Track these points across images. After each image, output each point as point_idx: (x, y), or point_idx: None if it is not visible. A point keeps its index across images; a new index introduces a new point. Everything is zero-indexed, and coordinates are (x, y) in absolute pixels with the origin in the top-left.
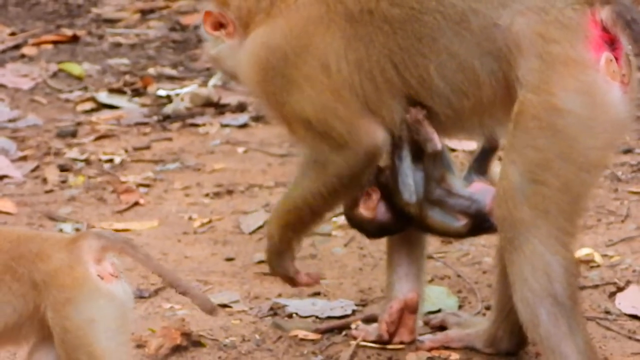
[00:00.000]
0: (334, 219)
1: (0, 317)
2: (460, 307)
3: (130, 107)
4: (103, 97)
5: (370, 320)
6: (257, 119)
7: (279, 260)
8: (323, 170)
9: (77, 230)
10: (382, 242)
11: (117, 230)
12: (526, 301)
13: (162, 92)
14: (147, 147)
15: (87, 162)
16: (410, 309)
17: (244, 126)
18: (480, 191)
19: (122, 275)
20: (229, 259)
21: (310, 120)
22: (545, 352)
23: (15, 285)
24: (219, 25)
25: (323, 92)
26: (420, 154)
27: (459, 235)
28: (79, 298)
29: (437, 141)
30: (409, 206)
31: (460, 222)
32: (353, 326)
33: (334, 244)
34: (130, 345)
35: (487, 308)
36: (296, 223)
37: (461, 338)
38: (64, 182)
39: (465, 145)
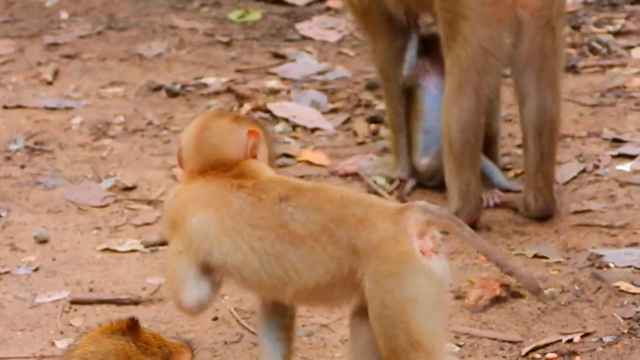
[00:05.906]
0: None
1: (313, 275)
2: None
3: None
4: None
5: None
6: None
7: None
8: None
9: (390, 182)
10: None
11: None
12: None
13: None
14: None
15: None
16: None
17: None
18: None
19: (441, 249)
20: None
21: None
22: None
23: (331, 248)
24: None
25: None
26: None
27: None
28: (402, 273)
29: None
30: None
31: None
32: None
33: None
34: (445, 321)
35: None
36: None
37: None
38: (374, 134)
39: None
